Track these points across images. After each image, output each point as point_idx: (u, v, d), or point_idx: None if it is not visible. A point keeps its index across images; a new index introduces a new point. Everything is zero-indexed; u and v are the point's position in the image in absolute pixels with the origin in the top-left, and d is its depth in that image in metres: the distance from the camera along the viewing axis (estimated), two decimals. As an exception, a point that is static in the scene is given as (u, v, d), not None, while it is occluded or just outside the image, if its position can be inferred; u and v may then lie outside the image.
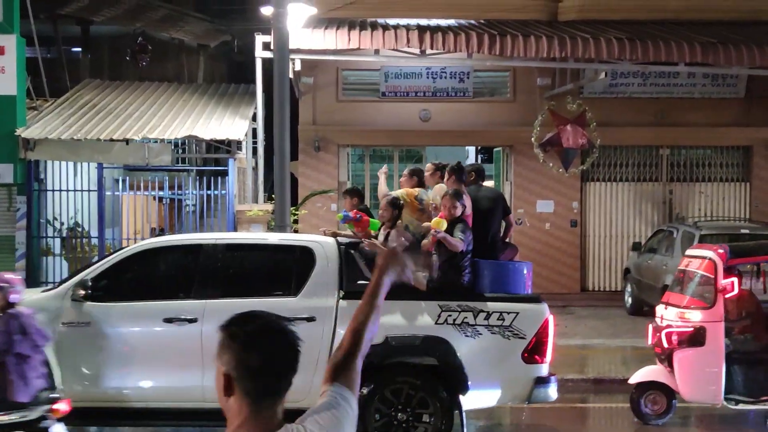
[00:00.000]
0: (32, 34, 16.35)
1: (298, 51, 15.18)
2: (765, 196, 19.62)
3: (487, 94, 19.74)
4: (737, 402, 9.68)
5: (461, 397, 8.15)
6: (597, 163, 19.20)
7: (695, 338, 9.50)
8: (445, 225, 8.40)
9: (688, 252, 10.57)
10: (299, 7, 14.00)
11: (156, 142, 15.33)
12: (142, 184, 15.74)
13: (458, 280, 8.43)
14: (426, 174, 9.97)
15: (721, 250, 9.72)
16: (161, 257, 8.80)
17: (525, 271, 8.90)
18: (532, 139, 18.31)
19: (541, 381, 8.30)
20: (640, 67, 16.88)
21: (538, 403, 8.72)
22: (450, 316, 8.16)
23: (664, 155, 19.86)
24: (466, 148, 24.00)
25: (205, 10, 22.18)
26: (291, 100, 12.89)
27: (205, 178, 16.11)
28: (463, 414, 8.28)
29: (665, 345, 9.69)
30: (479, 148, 24.12)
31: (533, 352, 8.24)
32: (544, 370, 8.33)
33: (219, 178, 15.76)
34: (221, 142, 15.52)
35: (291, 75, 14.81)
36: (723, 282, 9.46)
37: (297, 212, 17.05)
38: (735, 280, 9.57)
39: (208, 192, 15.80)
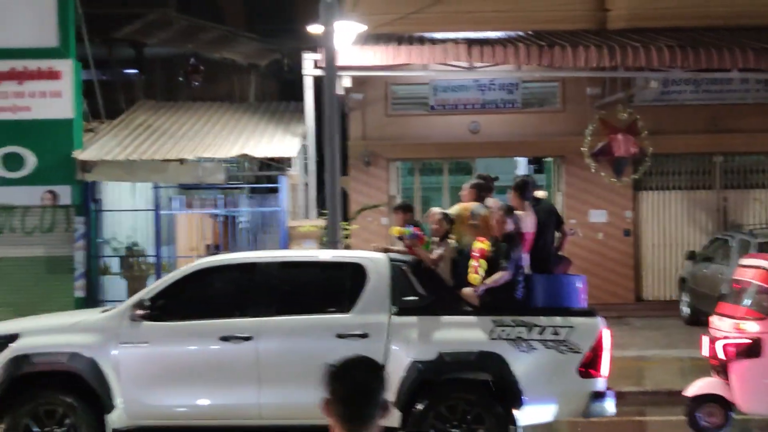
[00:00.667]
0: (88, 57, 16.70)
1: (347, 68, 15.31)
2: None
3: (536, 105, 19.69)
4: None
5: (517, 413, 8.13)
6: (649, 171, 19.02)
7: (752, 349, 9.35)
8: (479, 280, 8.39)
9: (742, 261, 10.43)
10: (348, 25, 14.15)
11: (209, 161, 15.54)
12: (196, 203, 15.97)
13: (511, 295, 8.42)
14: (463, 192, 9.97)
15: None
16: (216, 276, 8.90)
17: (579, 284, 8.86)
18: (583, 148, 18.24)
19: (598, 395, 8.24)
20: (691, 75, 16.73)
21: (595, 418, 8.65)
22: (504, 331, 8.15)
23: (717, 162, 19.60)
24: (517, 159, 23.94)
25: (255, 30, 22.46)
26: (341, 116, 13.00)
27: (258, 195, 16.29)
28: (520, 429, 8.25)
29: (721, 356, 9.56)
30: (530, 158, 24.04)
31: (589, 366, 8.19)
32: (600, 384, 8.27)
33: (271, 195, 15.91)
34: (273, 159, 15.68)
35: (341, 91, 14.95)
36: None
37: (348, 227, 17.15)
38: None
39: (261, 209, 15.96)
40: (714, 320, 10.02)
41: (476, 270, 8.43)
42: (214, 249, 17.13)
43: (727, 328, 9.64)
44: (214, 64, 21.28)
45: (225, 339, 8.31)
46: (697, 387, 9.84)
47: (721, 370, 9.61)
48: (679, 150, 19.27)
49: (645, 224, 19.64)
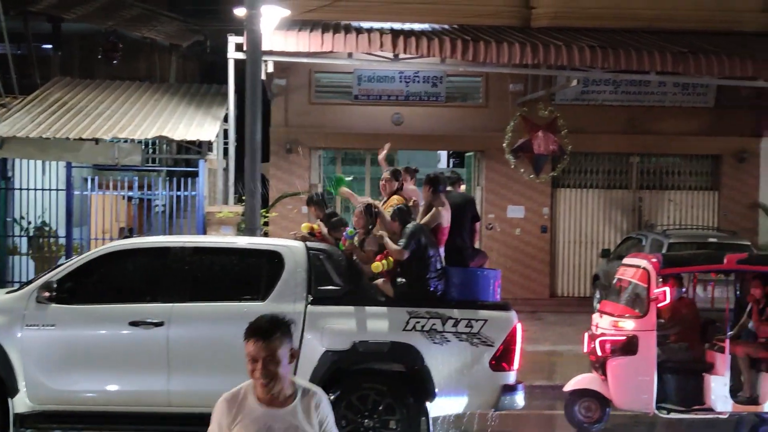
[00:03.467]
0: (2, 30, 16.17)
1: (270, 53, 15.13)
2: (733, 205, 19.82)
3: (459, 99, 19.78)
4: (669, 411, 9.81)
5: (428, 404, 8.13)
6: (567, 169, 19.31)
7: (628, 347, 9.62)
8: (381, 268, 8.39)
9: (624, 261, 10.70)
10: (272, 9, 13.97)
11: (126, 141, 15.22)
12: (111, 184, 15.63)
13: (426, 288, 8.41)
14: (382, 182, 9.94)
15: (654, 260, 9.83)
16: (128, 260, 8.68)
17: (494, 278, 8.91)
18: (504, 144, 18.39)
19: (509, 388, 8.29)
20: (611, 75, 16.97)
21: (504, 411, 8.72)
22: (418, 322, 8.13)
23: (634, 163, 20.00)
24: (439, 152, 24.06)
25: (178, 10, 22.03)
26: (263, 101, 12.84)
27: (175, 178, 16.01)
28: (430, 421, 8.26)
29: (599, 353, 9.79)
30: (451, 152, 24.19)
31: (501, 359, 8.23)
32: (511, 377, 8.33)
33: (189, 179, 15.67)
34: (192, 142, 15.44)
35: (263, 76, 14.76)
36: (656, 291, 9.57)
37: (268, 214, 17.00)
38: (667, 289, 9.70)
39: (178, 193, 15.70)
40: (595, 317, 10.26)
41: (380, 259, 8.43)
42: (128, 232, 16.80)
43: (606, 326, 9.88)
44: (135, 42, 20.79)
45: (135, 324, 8.12)
46: (575, 382, 10.11)
47: (600, 366, 9.85)
48: (598, 149, 19.62)
49: (562, 221, 19.93)
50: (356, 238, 9.20)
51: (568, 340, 15.55)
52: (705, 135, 19.62)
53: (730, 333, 10.00)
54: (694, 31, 18.40)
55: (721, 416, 10.03)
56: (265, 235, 15.76)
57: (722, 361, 9.88)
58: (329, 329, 8.11)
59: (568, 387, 10.14)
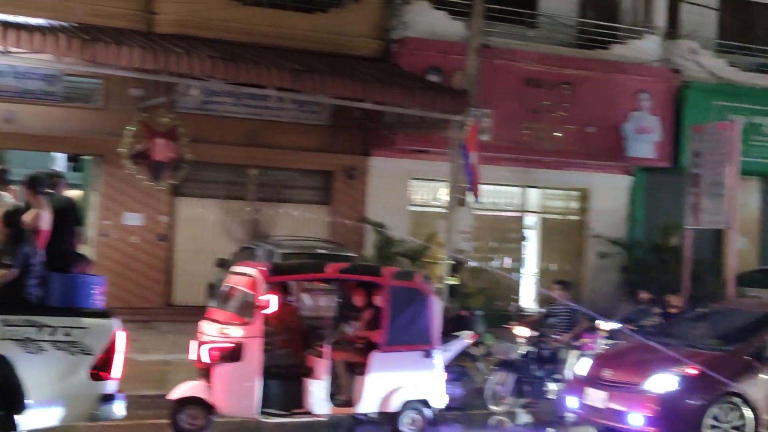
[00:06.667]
0: None
1: None
2: (343, 219, 20.94)
3: (79, 100, 19.09)
4: (272, 415, 10.23)
5: (18, 417, 7.74)
6: (188, 178, 19.32)
7: (233, 354, 9.90)
8: None
9: (234, 269, 11.01)
10: None
11: None
12: None
13: (21, 294, 8.02)
14: None
15: (262, 268, 10.25)
16: None
17: (96, 285, 8.69)
18: (122, 149, 18.04)
19: (108, 398, 8.15)
20: (231, 87, 17.24)
21: (103, 421, 8.53)
22: (10, 330, 7.73)
23: (252, 175, 20.49)
24: (55, 154, 23.07)
25: None
26: None
27: None
28: (23, 435, 7.87)
29: (205, 360, 10.00)
30: (70, 155, 23.28)
31: (100, 368, 8.08)
32: (111, 386, 8.19)
33: None
34: None
35: None
36: (262, 299, 9.97)
37: None
38: (275, 296, 10.15)
39: None
40: (202, 324, 10.45)
41: None
42: None
43: (212, 333, 10.11)
44: None
45: None
46: (180, 390, 10.23)
47: (206, 373, 10.05)
48: (218, 160, 19.85)
49: (181, 230, 19.91)
50: None
51: (181, 349, 15.41)
52: (319, 151, 20.61)
53: (331, 339, 10.57)
54: (312, 51, 19.22)
55: (320, 419, 10.58)
56: None
57: (321, 366, 10.42)
58: None
59: (173, 395, 10.15)
